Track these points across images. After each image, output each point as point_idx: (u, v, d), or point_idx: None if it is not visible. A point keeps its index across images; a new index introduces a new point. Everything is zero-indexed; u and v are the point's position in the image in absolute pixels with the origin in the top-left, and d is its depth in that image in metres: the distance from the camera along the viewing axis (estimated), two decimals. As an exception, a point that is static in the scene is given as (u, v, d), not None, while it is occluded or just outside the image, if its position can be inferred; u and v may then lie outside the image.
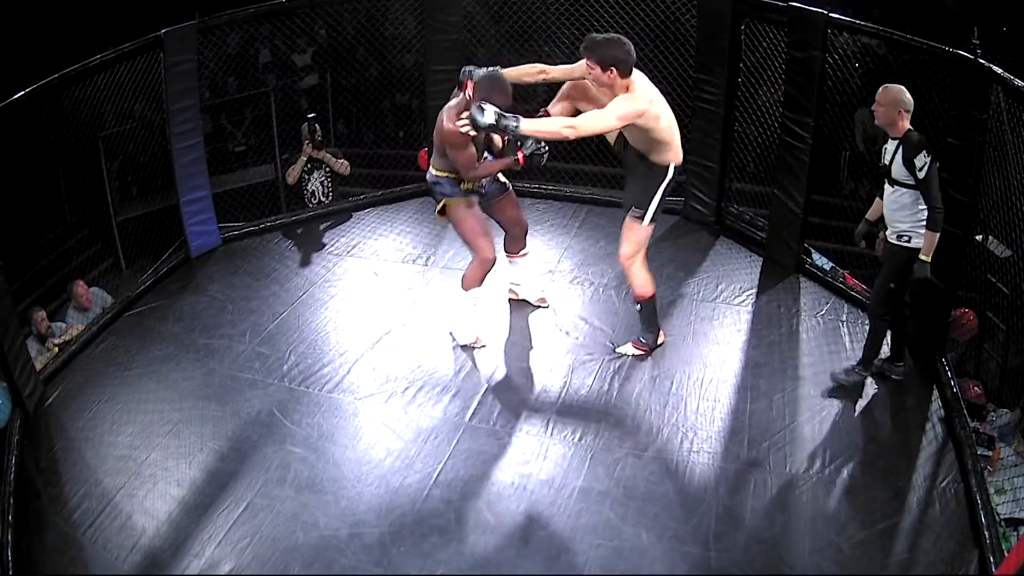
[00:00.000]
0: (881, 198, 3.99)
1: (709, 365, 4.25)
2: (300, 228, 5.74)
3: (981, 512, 3.29)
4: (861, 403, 3.97)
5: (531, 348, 4.41)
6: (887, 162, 3.83)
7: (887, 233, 3.97)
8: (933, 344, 4.14)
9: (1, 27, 6.73)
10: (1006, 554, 3.07)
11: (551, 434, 3.84)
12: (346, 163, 6.00)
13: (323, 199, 5.97)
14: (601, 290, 4.88)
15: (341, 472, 3.67)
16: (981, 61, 3.61)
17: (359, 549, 3.26)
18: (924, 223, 3.77)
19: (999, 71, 3.51)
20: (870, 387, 4.06)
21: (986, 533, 3.20)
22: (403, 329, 4.57)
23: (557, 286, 4.93)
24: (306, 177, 5.98)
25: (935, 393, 4.00)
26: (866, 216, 4.18)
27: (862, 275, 5.09)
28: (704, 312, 4.67)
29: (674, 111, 4.01)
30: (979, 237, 4.13)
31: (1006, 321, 4.52)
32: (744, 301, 4.75)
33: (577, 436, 3.82)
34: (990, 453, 3.93)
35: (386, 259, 5.30)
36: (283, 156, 6.58)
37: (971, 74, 3.67)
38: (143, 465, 3.72)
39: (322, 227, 5.74)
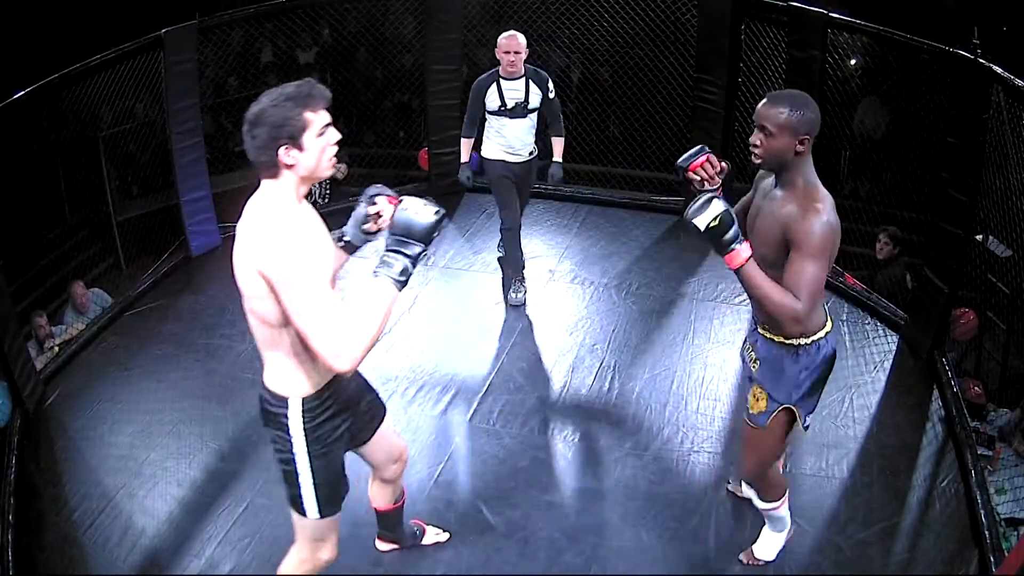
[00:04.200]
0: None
1: (709, 365, 4.25)
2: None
3: (981, 512, 3.29)
4: (861, 403, 3.97)
5: (531, 348, 4.41)
6: (523, 100, 4.36)
7: (519, 157, 4.52)
8: (933, 344, 4.14)
9: (1, 27, 6.72)
10: (1006, 554, 3.07)
11: (551, 434, 3.84)
12: (341, 167, 5.83)
13: (319, 200, 5.95)
14: (601, 290, 4.88)
15: (341, 472, 3.67)
16: (981, 61, 3.61)
17: (359, 549, 3.25)
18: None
19: (999, 71, 3.50)
20: (870, 386, 4.06)
21: (986, 533, 3.20)
22: (403, 329, 4.57)
23: (557, 286, 4.93)
24: (307, 174, 5.96)
25: (935, 393, 4.00)
26: None
27: (862, 275, 5.10)
28: (704, 312, 4.68)
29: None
30: (979, 237, 4.14)
31: (1006, 321, 4.52)
32: (744, 301, 4.74)
33: (577, 436, 3.82)
34: (990, 453, 3.94)
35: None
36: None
37: (971, 74, 3.67)
38: (143, 465, 3.71)
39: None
